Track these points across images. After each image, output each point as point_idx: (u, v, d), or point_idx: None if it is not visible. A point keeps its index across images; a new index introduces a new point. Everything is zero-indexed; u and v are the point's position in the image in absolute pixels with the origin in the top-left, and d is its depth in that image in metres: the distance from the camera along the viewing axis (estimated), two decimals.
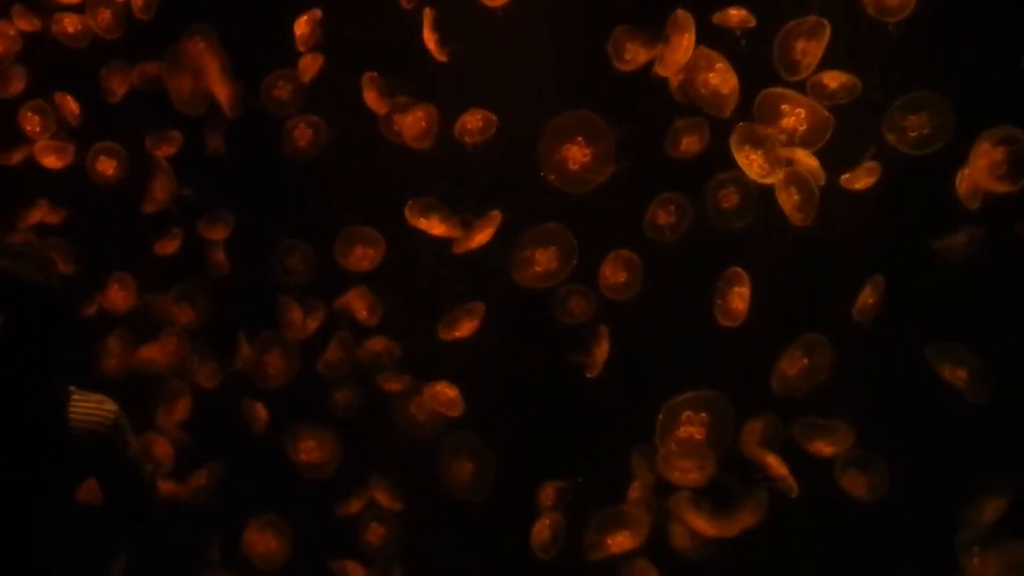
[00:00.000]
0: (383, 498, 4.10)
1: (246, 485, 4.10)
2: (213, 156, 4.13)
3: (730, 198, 3.68)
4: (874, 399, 3.62)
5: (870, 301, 3.53)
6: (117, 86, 4.17)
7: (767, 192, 3.57)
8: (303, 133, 4.00)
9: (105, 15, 4.13)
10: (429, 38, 3.85)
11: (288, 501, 4.08)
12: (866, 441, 3.63)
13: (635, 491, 3.80)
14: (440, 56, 3.85)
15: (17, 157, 4.24)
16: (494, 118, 3.86)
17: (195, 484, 4.11)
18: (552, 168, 3.75)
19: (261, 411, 4.12)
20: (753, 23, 3.55)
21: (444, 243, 3.96)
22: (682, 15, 3.53)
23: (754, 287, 3.63)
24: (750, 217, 3.65)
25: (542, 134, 3.73)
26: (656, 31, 3.66)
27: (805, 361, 3.62)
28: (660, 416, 3.65)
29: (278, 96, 4.00)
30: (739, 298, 3.66)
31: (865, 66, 3.49)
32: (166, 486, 4.05)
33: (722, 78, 3.53)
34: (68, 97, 4.18)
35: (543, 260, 3.83)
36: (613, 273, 3.84)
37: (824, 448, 3.67)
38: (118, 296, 4.19)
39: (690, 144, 3.69)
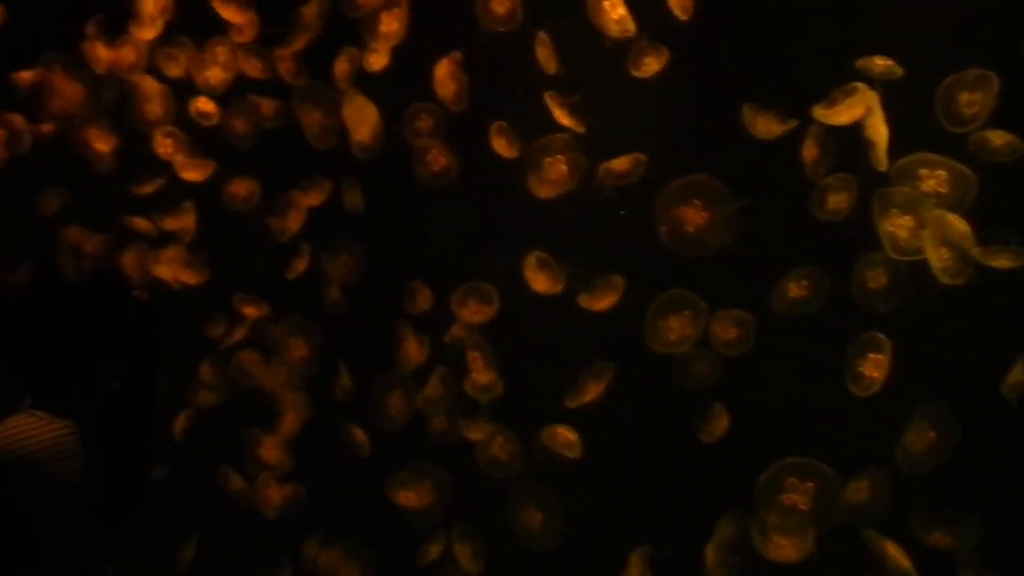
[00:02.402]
0: (464, 557, 3.56)
1: (333, 509, 3.63)
2: (352, 210, 3.80)
3: (878, 279, 3.16)
4: (1005, 486, 2.99)
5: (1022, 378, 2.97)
6: (243, 124, 3.92)
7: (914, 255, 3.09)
8: (436, 159, 3.65)
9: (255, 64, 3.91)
10: (561, 115, 3.51)
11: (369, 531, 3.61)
12: (991, 534, 3.00)
13: (710, 553, 3.25)
14: (577, 128, 3.50)
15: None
16: (642, 159, 3.43)
17: (283, 495, 3.64)
18: (668, 228, 3.33)
19: (360, 436, 3.66)
20: (899, 74, 3.12)
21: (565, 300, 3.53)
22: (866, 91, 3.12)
23: (893, 355, 3.10)
24: (898, 300, 3.13)
25: (661, 194, 3.35)
26: (786, 105, 3.27)
27: (932, 435, 3.02)
28: (761, 480, 3.10)
29: (420, 128, 3.67)
30: (875, 365, 3.12)
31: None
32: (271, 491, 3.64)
33: (877, 130, 3.08)
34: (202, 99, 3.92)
35: (677, 327, 3.37)
36: (723, 330, 3.34)
37: (942, 540, 3.02)
38: (249, 312, 3.89)
39: (838, 202, 3.20)
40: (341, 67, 3.71)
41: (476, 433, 3.61)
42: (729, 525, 3.24)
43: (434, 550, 3.61)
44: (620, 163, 3.43)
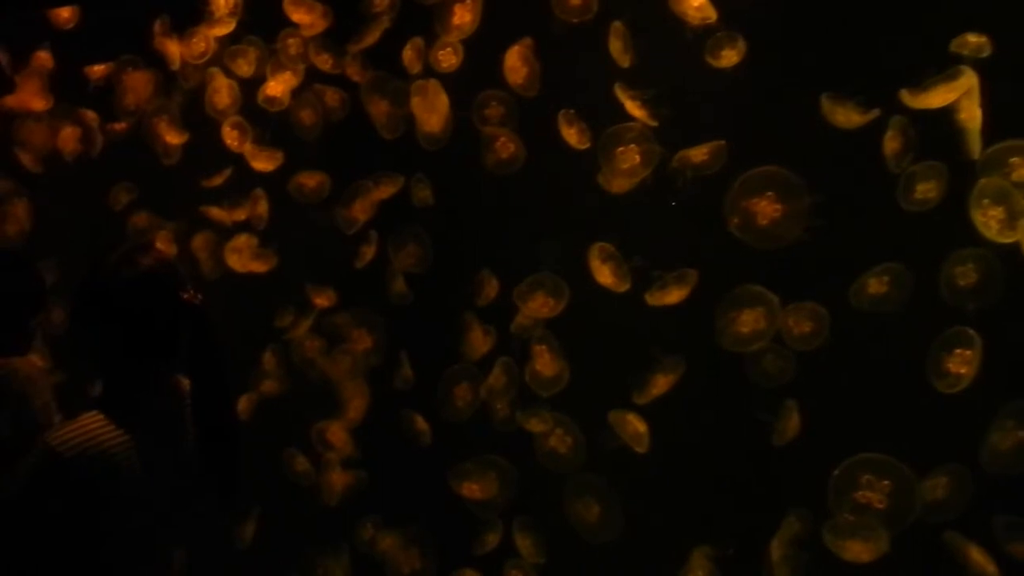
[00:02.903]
0: (525, 548, 3.45)
1: (393, 497, 3.54)
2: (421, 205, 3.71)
3: (968, 276, 2.95)
4: None
5: None
6: (310, 115, 3.87)
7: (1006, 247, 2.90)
8: (505, 147, 3.55)
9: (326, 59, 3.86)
10: (632, 107, 3.39)
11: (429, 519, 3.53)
12: None
13: (775, 549, 3.09)
14: (649, 121, 3.36)
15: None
16: (722, 147, 3.27)
17: (346, 481, 3.57)
18: (741, 220, 3.19)
19: (422, 425, 3.56)
20: (987, 52, 2.92)
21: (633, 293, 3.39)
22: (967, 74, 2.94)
23: (983, 351, 2.89)
24: (991, 298, 2.91)
25: (733, 185, 3.19)
26: (870, 92, 3.11)
27: (1020, 435, 2.83)
28: (835, 475, 2.95)
29: (489, 115, 3.57)
30: (962, 362, 2.92)
31: None
32: (335, 475, 3.58)
33: (972, 115, 2.89)
34: (271, 84, 3.86)
35: (750, 320, 3.21)
36: (797, 324, 3.18)
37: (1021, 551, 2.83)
38: (318, 301, 3.84)
39: (926, 191, 2.98)
40: (411, 59, 3.64)
41: (537, 425, 3.50)
42: (796, 521, 3.08)
43: (492, 539, 3.51)
44: (698, 152, 3.29)
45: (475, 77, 3.59)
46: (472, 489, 3.49)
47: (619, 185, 3.37)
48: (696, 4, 3.24)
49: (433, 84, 3.60)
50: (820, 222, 3.12)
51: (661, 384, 3.32)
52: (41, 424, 2.48)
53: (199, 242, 4.00)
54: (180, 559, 2.06)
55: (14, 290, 2.65)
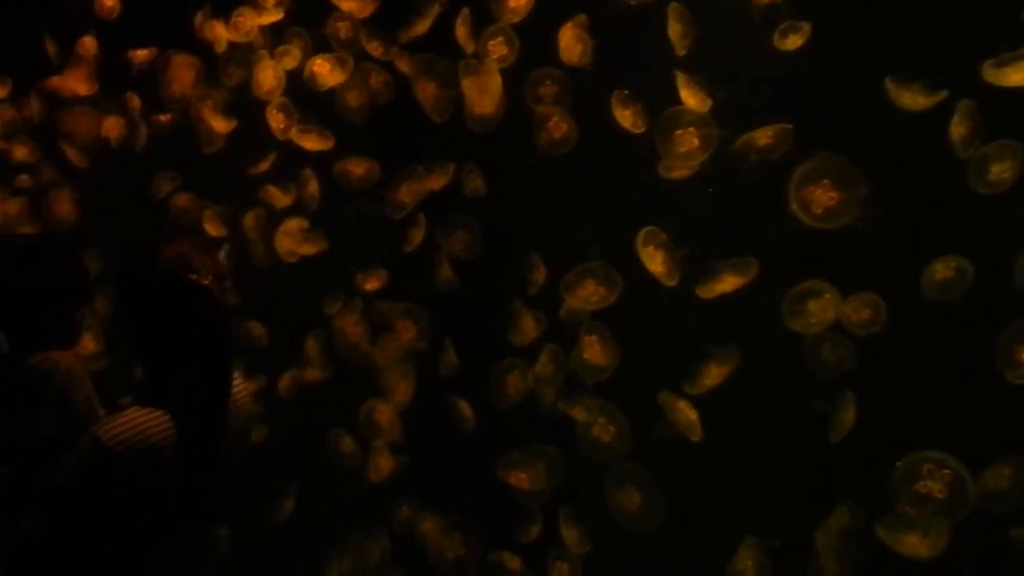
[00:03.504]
0: (570, 538, 3.35)
1: (436, 482, 3.47)
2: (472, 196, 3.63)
3: None
4: None
5: None
6: (357, 98, 3.79)
7: None
8: (558, 127, 3.44)
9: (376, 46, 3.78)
10: (687, 96, 3.27)
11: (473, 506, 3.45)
12: None
13: (821, 538, 2.98)
14: (701, 108, 3.24)
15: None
16: (788, 129, 3.13)
17: (391, 465, 3.50)
18: (797, 208, 3.07)
19: (466, 410, 3.48)
20: None
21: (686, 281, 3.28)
22: None
23: None
24: None
25: (790, 174, 3.06)
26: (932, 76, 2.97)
27: None
28: (898, 465, 2.83)
29: (543, 94, 3.46)
30: None
31: None
32: (382, 459, 3.51)
33: None
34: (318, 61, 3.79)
35: (815, 310, 3.09)
36: (856, 311, 3.05)
37: None
38: (366, 286, 3.79)
39: (1001, 171, 2.83)
40: (465, 38, 3.54)
41: (580, 413, 3.40)
42: (846, 512, 2.97)
43: (535, 528, 3.43)
44: (762, 135, 3.15)
45: (528, 55, 3.50)
46: (520, 478, 3.41)
47: (676, 170, 3.26)
48: None
49: (487, 64, 3.50)
50: (876, 211, 3.00)
51: (714, 374, 3.22)
52: (83, 418, 2.42)
53: (249, 224, 3.95)
54: (224, 538, 2.01)
55: (58, 282, 2.59)
